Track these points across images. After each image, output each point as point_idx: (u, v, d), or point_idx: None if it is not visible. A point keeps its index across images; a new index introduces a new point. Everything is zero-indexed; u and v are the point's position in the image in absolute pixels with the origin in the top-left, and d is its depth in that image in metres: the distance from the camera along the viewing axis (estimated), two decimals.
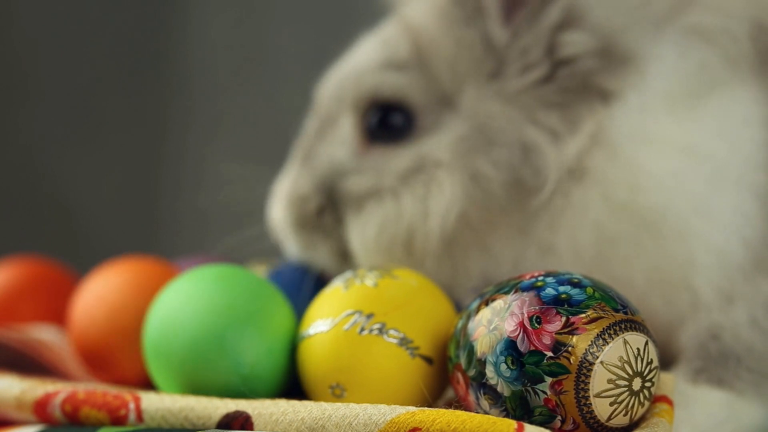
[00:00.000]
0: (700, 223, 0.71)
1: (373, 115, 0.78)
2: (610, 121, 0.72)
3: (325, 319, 0.64)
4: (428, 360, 0.64)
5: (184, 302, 0.66)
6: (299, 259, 0.83)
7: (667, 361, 0.71)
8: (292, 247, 0.83)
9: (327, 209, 0.79)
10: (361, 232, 0.77)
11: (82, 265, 1.01)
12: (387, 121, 0.77)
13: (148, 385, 0.72)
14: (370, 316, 0.63)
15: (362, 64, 0.80)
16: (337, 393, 0.63)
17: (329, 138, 0.80)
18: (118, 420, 0.64)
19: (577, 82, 0.73)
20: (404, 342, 0.63)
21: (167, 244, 1.82)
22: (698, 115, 0.72)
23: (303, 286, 0.79)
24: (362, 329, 0.63)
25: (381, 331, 0.63)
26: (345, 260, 0.80)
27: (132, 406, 0.64)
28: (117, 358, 0.75)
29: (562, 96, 0.73)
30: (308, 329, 0.65)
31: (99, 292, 0.76)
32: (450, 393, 0.67)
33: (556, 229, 0.73)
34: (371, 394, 0.62)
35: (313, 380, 0.65)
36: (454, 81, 0.76)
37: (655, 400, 0.61)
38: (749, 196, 0.71)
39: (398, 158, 0.76)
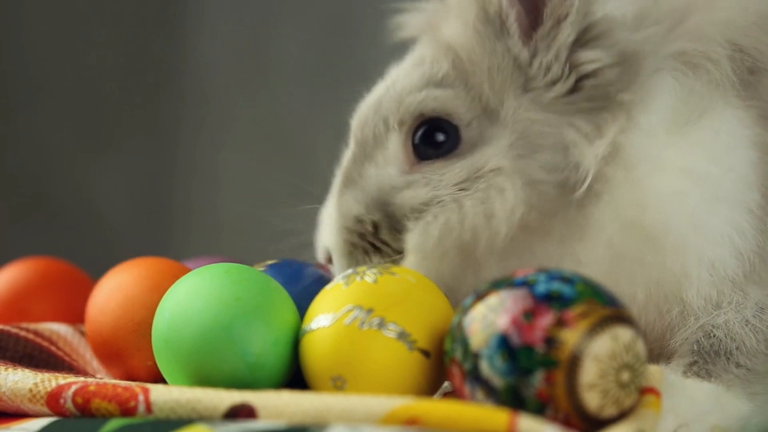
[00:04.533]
0: (697, 239, 0.75)
1: (421, 132, 0.80)
2: (626, 141, 0.76)
3: (326, 314, 0.67)
4: (426, 353, 0.66)
5: (194, 295, 0.69)
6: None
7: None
8: (343, 269, 0.83)
9: (383, 225, 0.80)
10: (423, 235, 0.78)
11: (93, 266, 1.03)
12: (434, 137, 0.80)
13: (158, 380, 0.74)
14: (369, 311, 0.66)
15: (402, 85, 0.82)
16: (338, 385, 0.66)
17: (375, 159, 0.82)
18: (128, 411, 0.67)
19: (601, 92, 0.77)
20: (403, 336, 0.65)
21: (178, 247, 1.84)
22: (693, 139, 0.76)
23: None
24: (362, 324, 0.65)
25: (380, 325, 0.65)
26: None
27: (141, 398, 0.66)
28: (129, 352, 0.77)
29: (588, 104, 0.77)
30: (310, 324, 0.68)
31: (112, 289, 0.78)
32: (446, 385, 0.70)
33: (583, 242, 0.77)
34: (371, 385, 0.65)
35: (315, 373, 0.67)
36: (495, 93, 0.79)
37: (644, 391, 0.63)
38: (743, 211, 0.75)
39: (451, 171, 0.79)
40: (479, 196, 0.77)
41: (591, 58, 0.77)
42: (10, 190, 1.90)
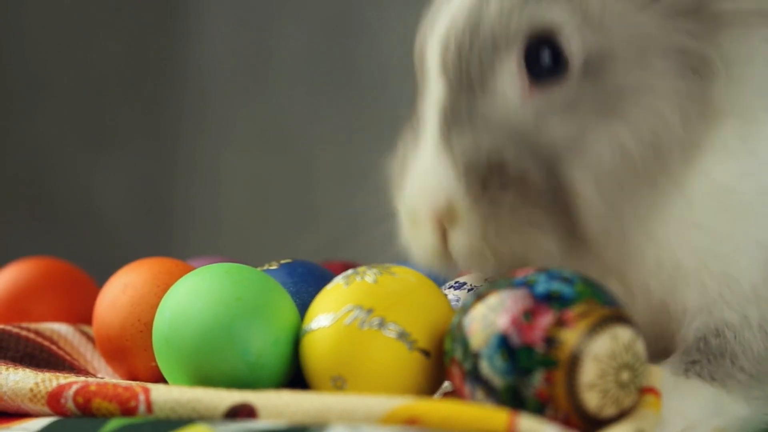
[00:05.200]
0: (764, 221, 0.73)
1: (533, 51, 0.71)
2: (743, 75, 0.73)
3: (326, 314, 0.67)
4: (426, 353, 0.66)
5: (195, 295, 0.69)
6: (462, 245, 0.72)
7: (667, 350, 0.74)
8: (468, 229, 0.71)
9: (531, 164, 0.70)
10: (591, 174, 0.69)
11: (93, 266, 1.04)
12: (547, 56, 0.71)
13: (159, 380, 0.74)
14: (369, 311, 0.66)
15: (499, 2, 0.72)
16: (338, 384, 0.66)
17: (487, 90, 0.72)
18: (128, 411, 0.67)
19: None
20: (403, 336, 0.66)
21: (178, 247, 1.84)
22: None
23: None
24: (362, 323, 0.66)
25: (380, 325, 0.66)
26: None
27: (142, 397, 0.67)
28: (135, 352, 0.77)
29: (688, 5, 0.72)
30: (311, 324, 0.68)
31: (121, 289, 0.78)
32: (447, 385, 0.70)
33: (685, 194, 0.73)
34: (371, 385, 0.65)
35: (315, 372, 0.67)
36: (595, 1, 0.72)
37: (644, 391, 0.63)
38: None
39: (584, 94, 0.71)
40: (632, 122, 0.70)
41: None
42: (10, 191, 1.90)
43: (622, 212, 0.71)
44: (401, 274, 0.69)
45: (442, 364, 0.66)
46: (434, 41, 0.74)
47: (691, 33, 0.72)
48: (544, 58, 0.71)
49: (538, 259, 0.70)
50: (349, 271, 0.69)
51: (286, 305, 0.70)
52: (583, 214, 0.70)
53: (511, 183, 0.70)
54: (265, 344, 0.68)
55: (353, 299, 0.67)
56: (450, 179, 0.70)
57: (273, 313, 0.69)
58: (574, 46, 0.71)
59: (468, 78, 0.72)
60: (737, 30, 0.73)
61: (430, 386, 0.67)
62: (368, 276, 0.68)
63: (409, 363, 0.66)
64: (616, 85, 0.71)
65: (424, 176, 0.72)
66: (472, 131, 0.71)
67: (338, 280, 0.69)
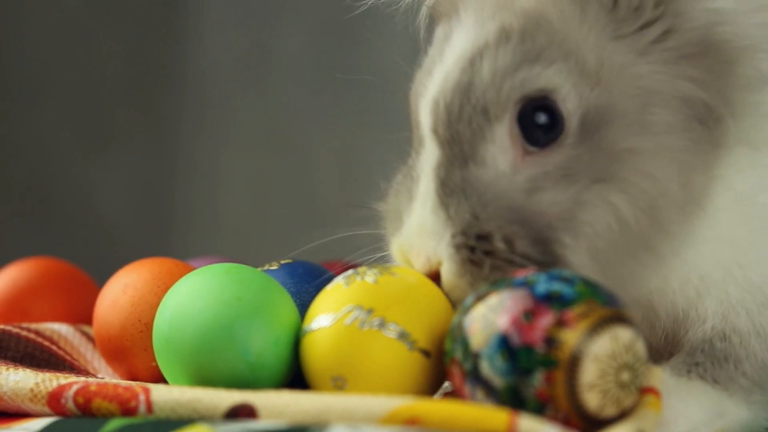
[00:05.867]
0: None
1: (526, 117, 0.70)
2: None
3: (327, 314, 0.67)
4: (426, 353, 0.66)
5: (195, 295, 0.69)
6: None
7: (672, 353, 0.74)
8: (456, 282, 0.71)
9: (520, 238, 0.69)
10: (587, 251, 0.69)
11: (93, 266, 1.04)
12: (541, 120, 0.70)
13: (160, 381, 0.74)
14: (370, 311, 0.66)
15: (492, 67, 0.71)
16: (338, 385, 0.66)
17: (479, 159, 0.71)
18: (129, 411, 0.67)
19: (699, 37, 0.71)
20: (403, 336, 0.66)
21: (178, 247, 1.84)
22: None
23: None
24: (363, 324, 0.66)
25: (381, 325, 0.66)
26: None
27: (142, 397, 0.67)
28: (135, 352, 0.77)
29: (690, 49, 0.71)
30: (311, 324, 0.68)
31: (121, 289, 0.78)
32: (447, 385, 0.70)
33: (709, 217, 0.73)
34: (371, 385, 0.65)
35: (315, 373, 0.67)
36: (591, 52, 0.71)
37: (644, 391, 0.63)
38: None
39: (578, 160, 0.69)
40: (628, 187, 0.69)
41: None
42: (10, 191, 1.90)
43: (621, 279, 0.70)
44: (401, 274, 0.69)
45: (442, 364, 0.66)
46: (425, 101, 0.74)
47: (696, 80, 0.70)
48: (539, 120, 0.70)
49: None
50: (350, 272, 0.69)
51: (287, 305, 0.70)
52: None
53: (497, 251, 0.69)
54: (265, 344, 0.68)
55: (353, 299, 0.67)
56: (441, 245, 0.71)
57: (273, 313, 0.69)
58: (570, 104, 0.70)
59: (459, 144, 0.71)
60: (747, 70, 0.71)
61: (430, 386, 0.67)
62: (368, 276, 0.68)
63: (409, 363, 0.66)
64: (613, 146, 0.69)
65: (418, 236, 0.72)
66: (466, 205, 0.70)
67: (338, 281, 0.69)
